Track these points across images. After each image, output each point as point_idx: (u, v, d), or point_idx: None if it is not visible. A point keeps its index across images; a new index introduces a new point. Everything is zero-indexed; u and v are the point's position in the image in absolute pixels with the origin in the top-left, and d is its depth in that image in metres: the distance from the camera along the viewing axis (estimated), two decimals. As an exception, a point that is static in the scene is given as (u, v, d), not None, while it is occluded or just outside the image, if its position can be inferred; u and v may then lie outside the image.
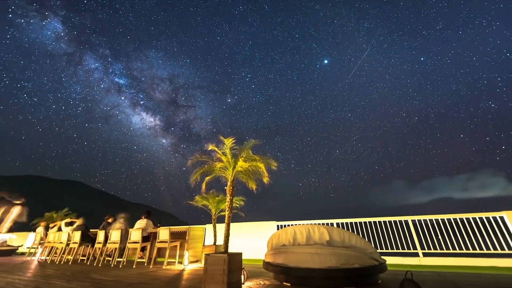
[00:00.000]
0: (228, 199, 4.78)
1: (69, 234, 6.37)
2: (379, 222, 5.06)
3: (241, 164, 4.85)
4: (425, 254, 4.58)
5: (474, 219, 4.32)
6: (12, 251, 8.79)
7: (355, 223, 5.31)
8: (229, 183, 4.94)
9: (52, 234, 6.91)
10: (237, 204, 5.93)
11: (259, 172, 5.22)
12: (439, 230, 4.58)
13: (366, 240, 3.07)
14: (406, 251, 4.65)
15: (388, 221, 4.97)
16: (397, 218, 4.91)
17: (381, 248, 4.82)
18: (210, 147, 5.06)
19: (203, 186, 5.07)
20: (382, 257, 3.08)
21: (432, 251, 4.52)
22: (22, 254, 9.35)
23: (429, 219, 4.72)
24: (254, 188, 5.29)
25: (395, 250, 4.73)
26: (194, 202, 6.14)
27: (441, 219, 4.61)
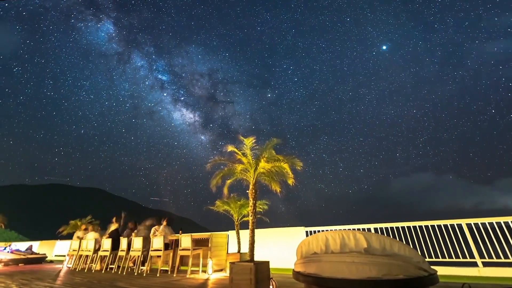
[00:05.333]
0: (251, 203, 4.82)
1: (96, 240, 6.89)
2: (426, 226, 4.77)
3: (263, 165, 4.86)
4: (485, 264, 4.22)
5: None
6: (41, 259, 9.74)
7: (397, 227, 5.05)
8: (251, 186, 4.99)
9: (75, 242, 7.53)
10: (261, 208, 5.96)
11: (283, 173, 5.19)
12: (502, 235, 4.19)
13: (411, 247, 2.91)
14: (462, 260, 4.32)
15: (437, 225, 4.67)
16: (448, 222, 4.58)
17: (430, 257, 4.54)
18: (229, 148, 5.15)
19: (225, 190, 5.17)
20: (431, 267, 2.90)
21: (495, 260, 4.15)
22: (51, 262, 10.32)
23: (488, 222, 4.34)
24: (278, 191, 5.27)
25: (447, 259, 4.42)
26: (214, 207, 6.29)
27: (504, 222, 4.21)
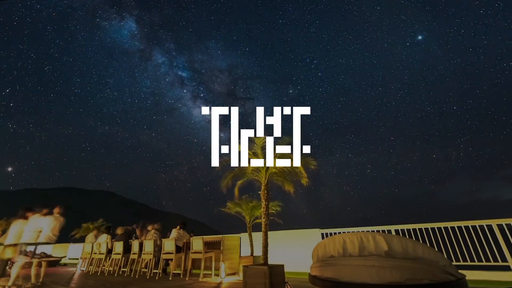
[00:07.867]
0: (263, 204, 4.82)
1: (107, 244, 7.11)
2: (452, 228, 4.60)
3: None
4: (519, 268, 4.03)
5: None
6: (56, 262, 10.16)
7: (420, 229, 4.91)
8: (262, 187, 4.99)
9: (88, 245, 7.79)
10: (273, 210, 5.95)
11: (296, 173, 5.16)
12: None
13: (436, 250, 2.82)
14: (493, 263, 4.14)
15: (465, 226, 4.49)
16: (476, 223, 4.40)
17: (457, 260, 4.38)
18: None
19: (236, 191, 5.20)
20: (459, 271, 2.79)
21: (530, 264, 3.95)
22: (65, 265, 10.75)
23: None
24: (292, 191, 5.25)
25: (476, 263, 4.25)
26: (226, 209, 6.34)
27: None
